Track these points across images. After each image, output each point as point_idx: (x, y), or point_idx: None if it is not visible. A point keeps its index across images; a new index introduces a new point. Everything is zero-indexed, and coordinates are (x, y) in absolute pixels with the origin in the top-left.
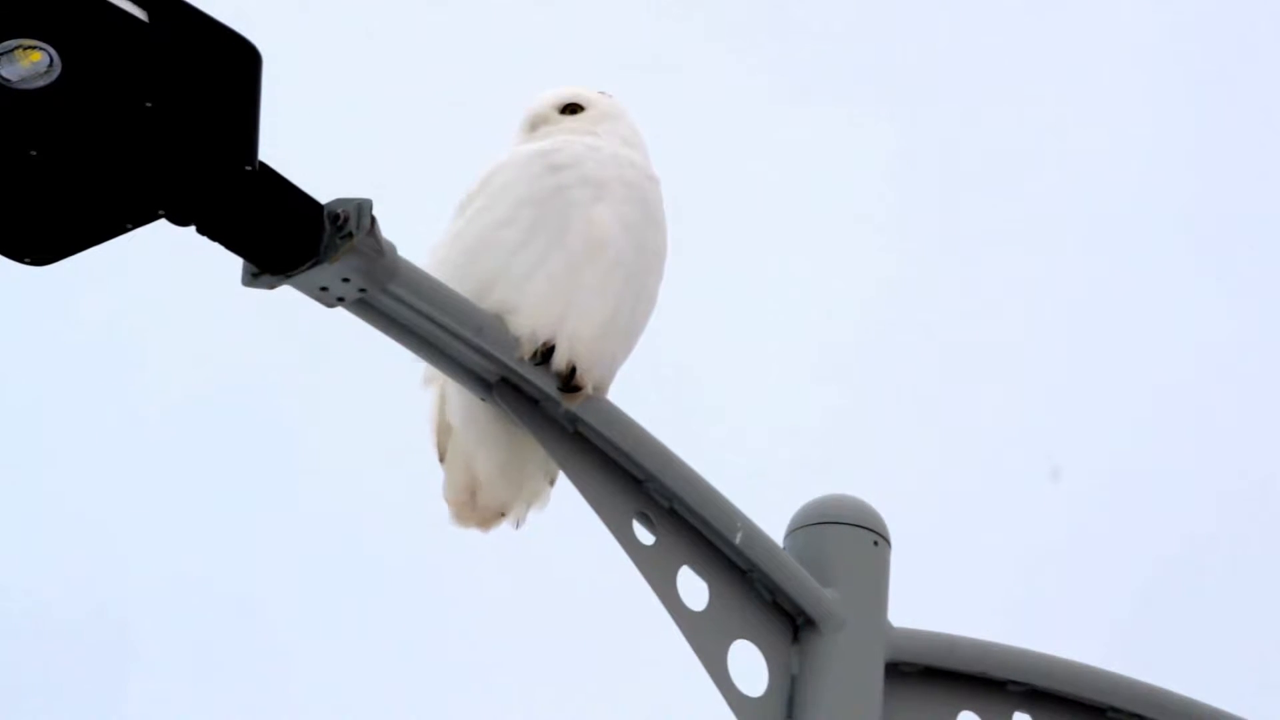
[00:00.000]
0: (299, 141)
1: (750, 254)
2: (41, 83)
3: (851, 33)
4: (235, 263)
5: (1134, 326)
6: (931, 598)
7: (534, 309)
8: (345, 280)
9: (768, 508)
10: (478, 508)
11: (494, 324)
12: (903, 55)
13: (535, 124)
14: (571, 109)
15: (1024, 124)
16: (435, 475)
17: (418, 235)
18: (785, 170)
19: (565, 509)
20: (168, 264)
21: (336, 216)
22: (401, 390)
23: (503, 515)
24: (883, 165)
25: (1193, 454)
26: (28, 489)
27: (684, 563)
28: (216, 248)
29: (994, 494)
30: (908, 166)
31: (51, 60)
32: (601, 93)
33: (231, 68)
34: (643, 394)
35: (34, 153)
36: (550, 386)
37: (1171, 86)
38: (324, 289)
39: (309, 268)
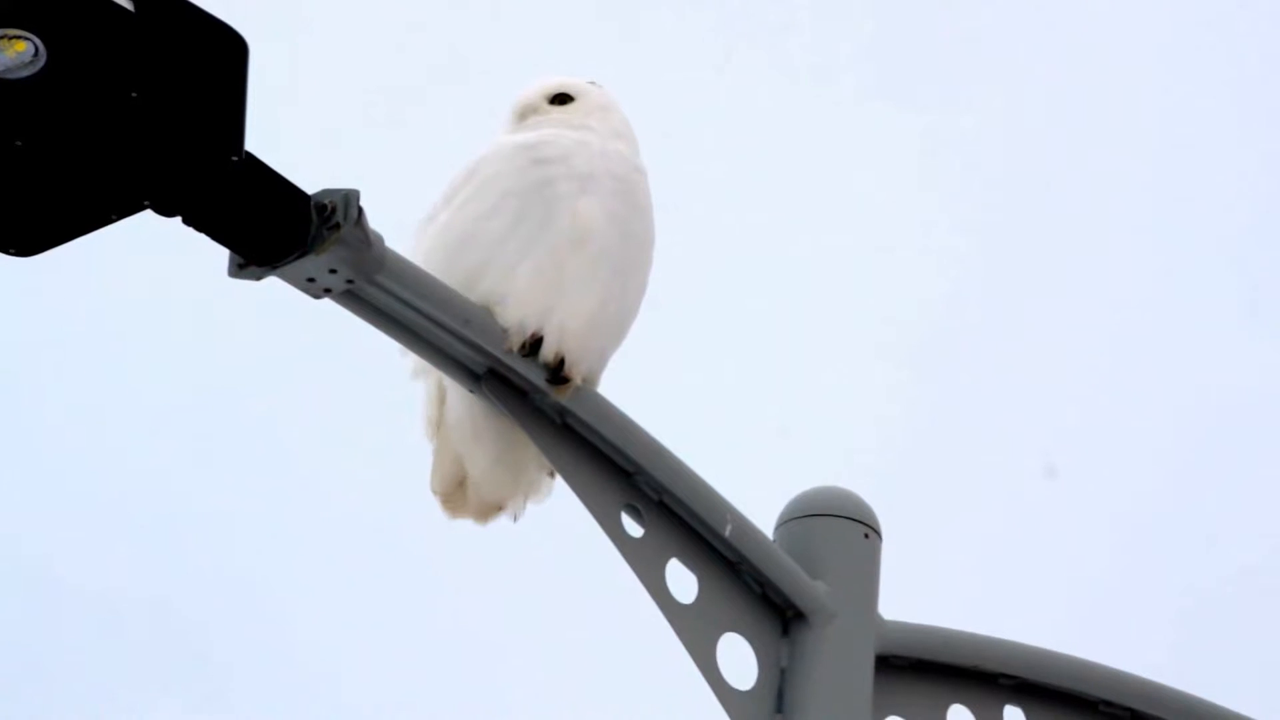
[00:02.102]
0: (286, 132)
1: (747, 249)
2: (26, 73)
3: (885, 24)
4: (221, 254)
5: (1154, 332)
6: (923, 590)
7: (521, 300)
8: (332, 271)
9: (758, 500)
10: (474, 502)
11: (482, 315)
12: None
13: (524, 114)
14: (561, 99)
15: (1033, 125)
16: (425, 467)
17: (405, 226)
18: (782, 165)
19: (554, 501)
20: (153, 255)
21: (324, 207)
22: (391, 381)
23: (500, 509)
24: (882, 167)
25: (1195, 452)
26: (22, 484)
27: (673, 555)
28: (202, 239)
29: (988, 488)
30: (906, 168)
31: (37, 50)
32: (591, 83)
33: (218, 58)
34: (633, 386)
35: (19, 143)
36: (539, 378)
37: (1212, 87)
38: (311, 280)
39: (296, 259)
